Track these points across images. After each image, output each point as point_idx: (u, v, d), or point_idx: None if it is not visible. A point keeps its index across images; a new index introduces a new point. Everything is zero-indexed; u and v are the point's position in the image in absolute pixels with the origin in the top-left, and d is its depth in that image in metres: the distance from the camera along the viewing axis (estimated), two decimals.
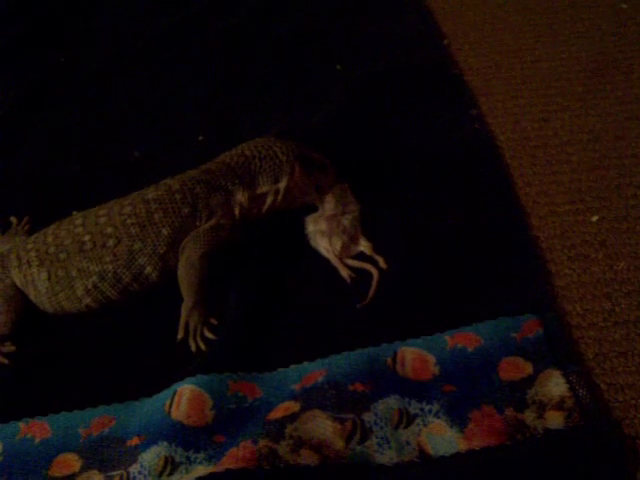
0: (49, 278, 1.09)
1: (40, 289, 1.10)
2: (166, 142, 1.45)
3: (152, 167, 1.37)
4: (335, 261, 1.13)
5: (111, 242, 1.08)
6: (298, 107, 1.48)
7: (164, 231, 1.09)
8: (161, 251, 1.09)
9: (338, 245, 1.14)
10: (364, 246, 1.15)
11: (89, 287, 1.08)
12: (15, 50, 1.78)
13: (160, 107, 1.55)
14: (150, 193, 1.13)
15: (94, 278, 1.08)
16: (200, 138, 1.44)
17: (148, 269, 1.09)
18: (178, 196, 1.11)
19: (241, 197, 1.14)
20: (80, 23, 1.86)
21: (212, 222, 1.12)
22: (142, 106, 1.56)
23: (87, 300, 1.09)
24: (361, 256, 1.15)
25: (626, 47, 1.54)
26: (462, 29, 1.66)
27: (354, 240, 1.16)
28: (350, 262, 1.14)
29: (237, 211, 1.14)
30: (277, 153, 1.16)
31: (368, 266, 1.12)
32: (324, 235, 1.15)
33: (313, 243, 1.16)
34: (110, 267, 1.08)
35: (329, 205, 1.17)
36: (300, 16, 1.76)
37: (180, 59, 1.69)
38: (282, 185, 1.16)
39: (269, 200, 1.17)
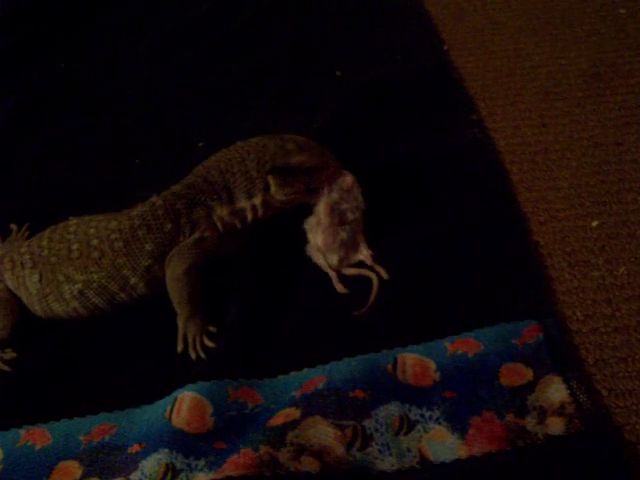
0: (40, 280, 1.10)
1: (31, 291, 1.11)
2: (166, 149, 1.45)
3: (152, 174, 1.37)
4: (331, 274, 1.13)
5: (95, 254, 1.09)
6: (298, 113, 1.48)
7: (147, 247, 1.09)
8: (145, 264, 1.09)
9: (334, 260, 1.13)
10: (364, 255, 1.14)
11: (75, 293, 1.09)
12: (14, 57, 1.78)
13: (160, 114, 1.56)
14: (135, 210, 1.13)
15: (79, 285, 1.09)
16: (200, 144, 1.44)
17: (133, 280, 1.09)
18: (160, 212, 1.11)
19: (221, 212, 1.12)
20: (79, 30, 1.86)
21: (195, 235, 1.11)
22: (142, 113, 1.57)
23: (75, 304, 1.10)
24: (362, 263, 1.14)
25: (625, 52, 1.54)
26: (462, 35, 1.66)
27: (354, 248, 1.14)
28: (349, 271, 1.13)
29: (219, 225, 1.13)
30: (249, 168, 1.11)
31: (368, 273, 1.12)
32: (319, 251, 1.13)
33: (309, 254, 1.15)
34: (95, 277, 1.09)
35: (326, 218, 1.13)
36: (300, 22, 1.76)
37: (180, 66, 1.69)
38: (257, 201, 1.12)
39: (249, 215, 1.14)
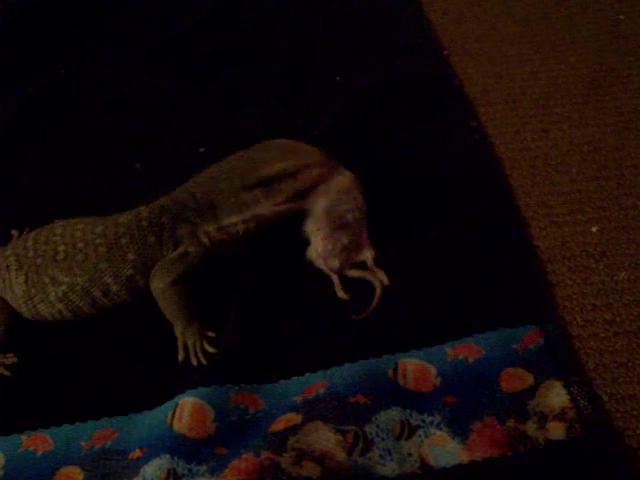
0: (26, 281, 1.10)
1: (17, 293, 1.11)
2: (167, 154, 1.45)
3: (153, 179, 1.37)
4: (334, 279, 1.12)
5: (80, 257, 1.09)
6: (298, 119, 1.48)
7: (130, 256, 1.09)
8: (127, 273, 1.09)
9: (335, 264, 1.12)
10: (366, 257, 1.13)
11: (59, 295, 1.09)
12: (15, 61, 1.78)
13: (161, 119, 1.56)
14: (122, 216, 1.13)
15: (64, 287, 1.09)
16: (201, 150, 1.44)
17: (115, 287, 1.09)
18: (145, 224, 1.10)
19: (207, 228, 1.11)
20: (80, 35, 1.87)
21: (180, 250, 1.10)
22: (143, 118, 1.57)
23: (59, 306, 1.10)
24: (364, 265, 1.14)
25: (624, 58, 1.54)
26: (461, 40, 1.66)
27: (357, 249, 1.13)
28: (351, 273, 1.13)
29: (206, 240, 1.12)
30: (234, 184, 1.10)
31: (371, 277, 1.12)
32: (319, 257, 1.12)
33: (309, 258, 1.14)
34: (79, 280, 1.09)
35: (324, 222, 1.11)
36: (300, 28, 1.77)
37: (181, 71, 1.69)
38: (248, 216, 1.11)
39: (241, 228, 1.12)
